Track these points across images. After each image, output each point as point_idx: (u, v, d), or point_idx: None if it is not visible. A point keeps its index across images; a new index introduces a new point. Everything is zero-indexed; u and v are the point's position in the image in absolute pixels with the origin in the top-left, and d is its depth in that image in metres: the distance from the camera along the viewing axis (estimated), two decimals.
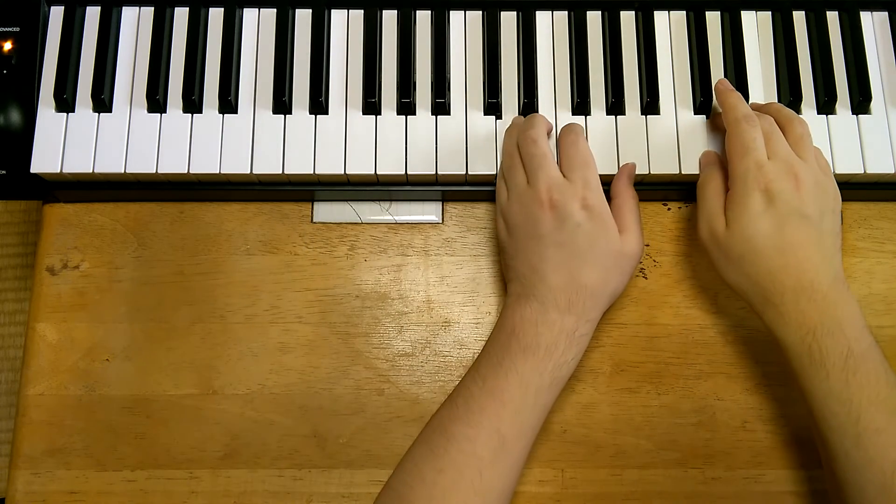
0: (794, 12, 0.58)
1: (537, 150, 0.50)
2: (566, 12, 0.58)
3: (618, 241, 0.49)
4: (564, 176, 0.50)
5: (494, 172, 0.55)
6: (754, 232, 0.48)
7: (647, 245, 0.58)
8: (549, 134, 0.54)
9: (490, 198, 0.57)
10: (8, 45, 0.55)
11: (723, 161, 0.53)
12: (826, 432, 0.46)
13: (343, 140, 0.55)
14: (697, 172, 0.54)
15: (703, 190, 0.52)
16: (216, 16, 0.57)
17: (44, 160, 0.54)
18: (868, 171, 0.55)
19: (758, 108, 0.53)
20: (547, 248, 0.49)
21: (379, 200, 0.59)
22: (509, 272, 0.52)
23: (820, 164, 0.51)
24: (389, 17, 0.58)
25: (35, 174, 0.54)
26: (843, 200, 0.58)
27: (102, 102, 0.55)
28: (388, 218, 0.58)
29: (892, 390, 0.45)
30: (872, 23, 0.58)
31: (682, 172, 0.55)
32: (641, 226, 0.51)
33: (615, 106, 0.56)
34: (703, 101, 0.55)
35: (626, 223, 0.50)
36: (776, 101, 0.56)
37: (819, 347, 0.46)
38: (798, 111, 0.56)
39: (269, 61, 0.56)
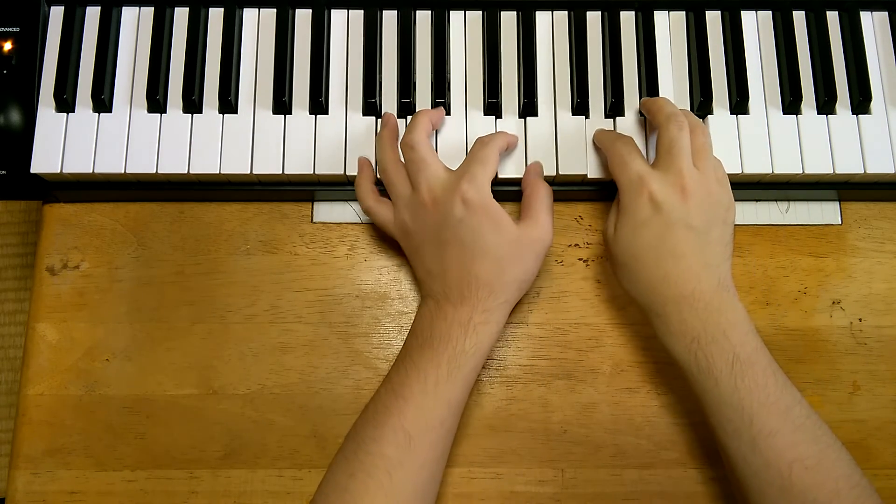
0: (794, 12, 0.58)
1: (416, 154, 0.50)
2: (566, 12, 0.58)
3: (510, 230, 0.49)
4: (461, 167, 0.50)
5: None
6: (635, 241, 0.48)
7: None
8: (434, 128, 0.54)
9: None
10: (8, 45, 0.55)
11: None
12: (723, 439, 0.46)
13: (343, 140, 0.55)
14: None
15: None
16: (216, 16, 0.57)
17: (44, 160, 0.54)
18: (868, 171, 0.55)
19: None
20: (437, 248, 0.49)
21: None
22: (416, 281, 0.53)
23: (717, 174, 0.50)
24: (389, 17, 0.58)
25: (35, 174, 0.54)
26: (843, 200, 0.59)
27: (102, 102, 0.55)
28: None
29: (782, 392, 0.46)
30: (872, 23, 0.58)
31: None
32: (551, 215, 0.51)
33: (615, 106, 0.56)
34: (702, 101, 0.55)
35: (531, 211, 0.51)
36: (778, 100, 0.56)
37: (705, 355, 0.46)
38: (798, 111, 0.56)
39: (269, 61, 0.56)
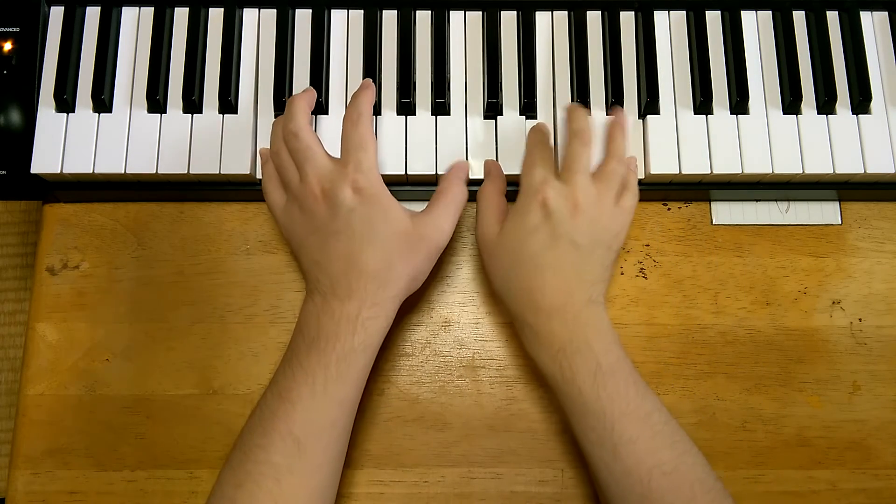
0: (794, 12, 0.58)
1: (300, 143, 0.49)
2: (566, 12, 0.58)
3: (402, 221, 0.48)
4: (342, 157, 0.49)
5: None
6: (522, 247, 0.48)
7: (647, 245, 0.58)
8: (310, 110, 0.52)
9: None
10: (8, 45, 0.55)
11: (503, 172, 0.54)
12: (587, 447, 0.47)
13: None
14: (697, 172, 0.54)
15: (482, 195, 0.52)
16: (216, 16, 0.57)
17: (44, 160, 0.54)
18: (868, 171, 0.55)
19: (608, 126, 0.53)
20: (326, 240, 0.47)
21: None
22: (302, 274, 0.51)
23: (623, 204, 0.50)
24: (389, 17, 0.58)
25: (35, 174, 0.54)
26: (843, 200, 0.59)
27: (102, 103, 0.55)
28: None
29: (642, 400, 0.46)
30: (872, 23, 0.58)
31: (682, 172, 0.55)
32: (453, 217, 0.50)
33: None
34: (703, 101, 0.55)
35: (432, 209, 0.50)
36: (778, 100, 0.56)
37: (569, 365, 0.46)
38: (798, 111, 0.56)
39: (270, 61, 0.56)
